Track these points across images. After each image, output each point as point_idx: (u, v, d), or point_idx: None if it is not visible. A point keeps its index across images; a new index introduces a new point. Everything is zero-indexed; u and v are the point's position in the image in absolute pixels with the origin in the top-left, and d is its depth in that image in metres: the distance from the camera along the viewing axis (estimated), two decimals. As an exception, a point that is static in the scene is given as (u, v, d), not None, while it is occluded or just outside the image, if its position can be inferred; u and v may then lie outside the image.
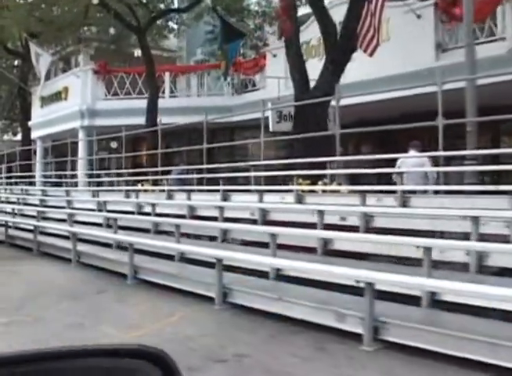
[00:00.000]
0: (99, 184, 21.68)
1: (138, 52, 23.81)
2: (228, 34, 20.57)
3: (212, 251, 8.29)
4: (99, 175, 22.03)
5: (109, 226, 14.46)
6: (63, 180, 24.26)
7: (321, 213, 9.44)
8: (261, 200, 11.94)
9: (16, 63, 33.56)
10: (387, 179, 12.77)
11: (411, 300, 6.96)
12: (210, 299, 8.11)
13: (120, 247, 12.05)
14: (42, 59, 24.41)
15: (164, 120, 20.55)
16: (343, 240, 9.11)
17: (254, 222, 11.64)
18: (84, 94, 24.59)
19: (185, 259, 10.31)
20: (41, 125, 28.26)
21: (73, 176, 24.75)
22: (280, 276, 8.57)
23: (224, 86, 24.59)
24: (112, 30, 22.10)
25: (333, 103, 14.04)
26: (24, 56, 29.23)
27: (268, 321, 7.27)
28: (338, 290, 7.53)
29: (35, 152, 29.09)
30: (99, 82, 24.53)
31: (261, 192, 12.63)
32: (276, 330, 6.94)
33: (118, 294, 8.94)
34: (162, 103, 22.49)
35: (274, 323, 7.16)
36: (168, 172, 18.71)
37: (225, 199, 13.36)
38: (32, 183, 26.82)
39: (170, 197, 15.05)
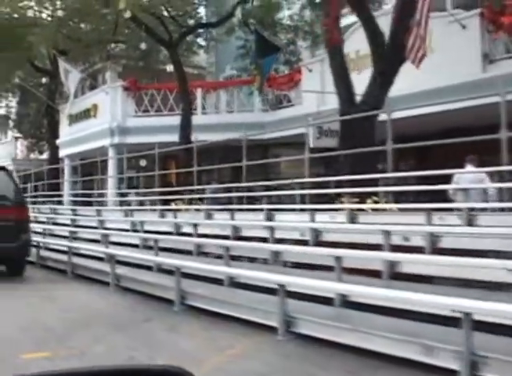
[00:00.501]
0: (130, 203, 21.06)
1: (169, 68, 23.32)
2: (262, 48, 19.94)
3: (274, 277, 7.51)
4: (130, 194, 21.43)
5: (146, 247, 13.79)
6: (93, 199, 23.71)
7: (387, 233, 8.63)
8: (312, 220, 11.18)
9: (43, 81, 33.27)
10: (436, 196, 12.05)
11: (497, 328, 6.16)
12: (270, 328, 7.34)
13: (162, 270, 11.35)
14: (71, 76, 23.99)
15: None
16: (410, 263, 8.32)
17: (298, 242, 10.89)
18: (114, 111, 24.07)
19: (234, 283, 9.56)
20: (69, 143, 27.80)
21: (101, 195, 24.22)
22: (346, 303, 7.80)
23: (256, 102, 23.99)
24: (143, 45, 21.63)
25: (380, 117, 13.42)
26: (52, 73, 28.92)
27: (340, 354, 6.48)
28: (411, 317, 6.77)
29: (63, 170, 28.61)
30: (128, 99, 23.99)
31: (309, 211, 11.90)
32: (353, 365, 6.16)
33: (167, 322, 8.17)
34: (194, 119, 21.88)
35: (347, 357, 6.38)
36: (203, 191, 18.13)
37: (269, 218, 12.64)
38: (60, 202, 26.32)
39: (209, 216, 14.34)
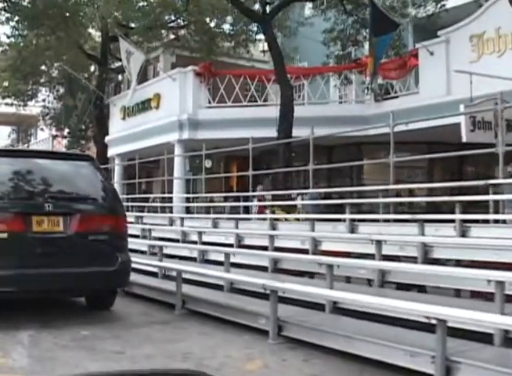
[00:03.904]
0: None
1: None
2: (378, 24, 16.37)
3: None
4: (212, 199, 17.79)
5: (276, 271, 10.19)
6: (159, 205, 20.14)
7: None
8: None
9: (86, 75, 29.87)
10: None
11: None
12: None
13: (339, 309, 7.67)
14: (133, 59, 20.33)
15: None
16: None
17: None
18: (184, 101, 20.39)
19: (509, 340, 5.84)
20: (121, 141, 24.15)
21: (152, 199, 20.78)
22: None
23: (333, 93, 20.54)
24: (229, 20, 18.19)
25: None
26: (102, 61, 25.58)
27: None
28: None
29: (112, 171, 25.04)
30: (201, 87, 20.32)
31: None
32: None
33: None
34: (276, 111, 18.24)
35: None
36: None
37: (463, 234, 8.98)
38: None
39: (353, 229, 10.67)
